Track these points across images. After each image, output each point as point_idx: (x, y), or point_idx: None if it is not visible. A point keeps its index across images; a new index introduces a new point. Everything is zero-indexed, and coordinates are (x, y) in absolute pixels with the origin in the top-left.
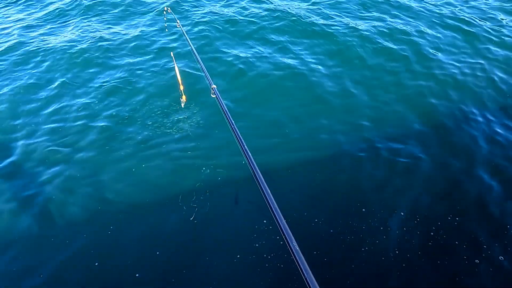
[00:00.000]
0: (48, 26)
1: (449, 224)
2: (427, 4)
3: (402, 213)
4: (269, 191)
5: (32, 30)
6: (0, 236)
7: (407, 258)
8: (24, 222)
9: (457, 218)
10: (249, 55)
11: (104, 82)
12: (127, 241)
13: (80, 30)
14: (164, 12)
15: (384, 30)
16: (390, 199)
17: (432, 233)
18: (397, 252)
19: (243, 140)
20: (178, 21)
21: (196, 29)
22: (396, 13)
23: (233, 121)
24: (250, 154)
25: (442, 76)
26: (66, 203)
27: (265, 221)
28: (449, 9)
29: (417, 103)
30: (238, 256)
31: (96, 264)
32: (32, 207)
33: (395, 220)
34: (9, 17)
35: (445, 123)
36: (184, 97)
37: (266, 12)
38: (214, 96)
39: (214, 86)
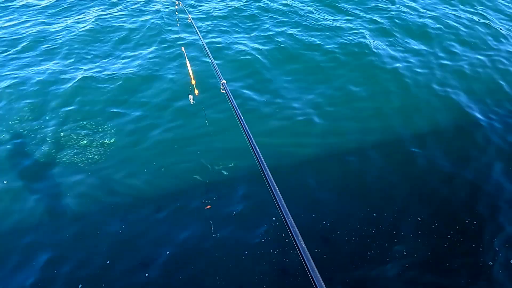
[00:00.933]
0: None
1: (466, 227)
2: None
3: (418, 218)
4: (276, 188)
5: (48, 22)
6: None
7: (418, 262)
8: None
9: (474, 222)
10: (260, 47)
11: (112, 74)
12: (136, 238)
13: (93, 20)
14: (176, 7)
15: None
16: (402, 202)
17: (448, 236)
18: (405, 253)
19: (252, 136)
20: (190, 15)
21: (207, 23)
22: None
23: (242, 117)
24: (258, 150)
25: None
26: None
27: (274, 218)
28: None
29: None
30: (246, 252)
31: (108, 262)
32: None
33: (406, 224)
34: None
35: (465, 126)
36: (196, 91)
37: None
38: (224, 91)
39: (224, 81)
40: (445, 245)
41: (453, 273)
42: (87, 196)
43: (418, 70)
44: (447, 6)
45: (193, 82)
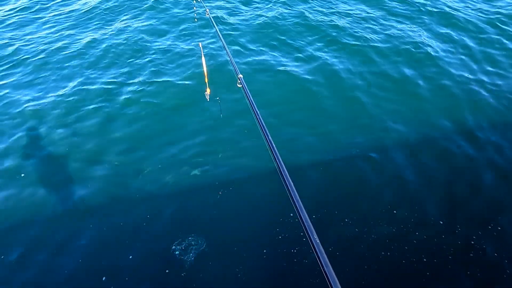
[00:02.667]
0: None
1: (489, 233)
2: None
3: (441, 221)
4: (291, 183)
5: (74, 31)
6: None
7: (436, 263)
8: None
9: (498, 228)
10: (276, 54)
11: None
12: (159, 230)
13: (123, 24)
14: (194, 1)
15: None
16: (424, 203)
17: (472, 242)
18: (424, 259)
19: (268, 132)
20: (208, 9)
21: (227, 21)
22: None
23: (258, 112)
24: (274, 146)
25: None
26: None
27: (291, 214)
28: None
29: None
30: (264, 250)
31: (131, 257)
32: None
33: (428, 225)
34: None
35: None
36: (208, 90)
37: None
38: (240, 86)
39: (241, 75)
40: (467, 250)
41: (473, 278)
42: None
43: None
44: None
45: (206, 79)
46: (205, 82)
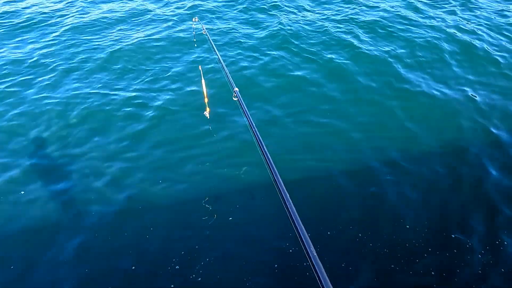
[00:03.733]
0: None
1: None
2: None
3: (453, 235)
4: (288, 195)
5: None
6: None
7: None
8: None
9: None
10: (275, 66)
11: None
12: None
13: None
14: (193, 22)
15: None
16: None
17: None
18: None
19: (264, 145)
20: (203, 26)
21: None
22: None
23: (254, 124)
24: (270, 157)
25: None
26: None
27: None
28: None
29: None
30: (261, 261)
31: (133, 268)
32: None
33: (439, 239)
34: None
35: None
36: (208, 109)
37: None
38: (236, 99)
39: (236, 89)
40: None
41: None
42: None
43: None
44: None
45: (206, 100)
46: (205, 103)
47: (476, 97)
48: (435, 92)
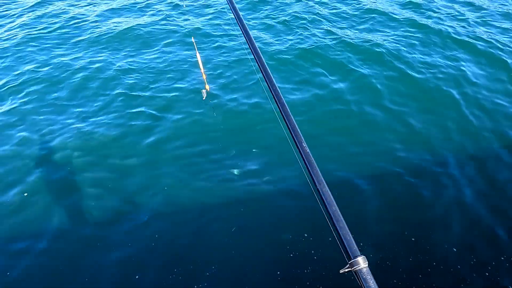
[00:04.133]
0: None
1: None
2: None
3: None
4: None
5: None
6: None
7: None
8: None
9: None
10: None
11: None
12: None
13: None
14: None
15: None
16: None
17: None
18: None
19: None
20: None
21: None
22: None
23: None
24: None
25: None
26: None
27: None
28: None
29: None
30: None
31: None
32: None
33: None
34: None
35: None
36: (207, 86)
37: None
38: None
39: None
40: None
41: None
42: None
43: None
44: None
45: (204, 76)
46: (203, 79)
47: None
48: None
